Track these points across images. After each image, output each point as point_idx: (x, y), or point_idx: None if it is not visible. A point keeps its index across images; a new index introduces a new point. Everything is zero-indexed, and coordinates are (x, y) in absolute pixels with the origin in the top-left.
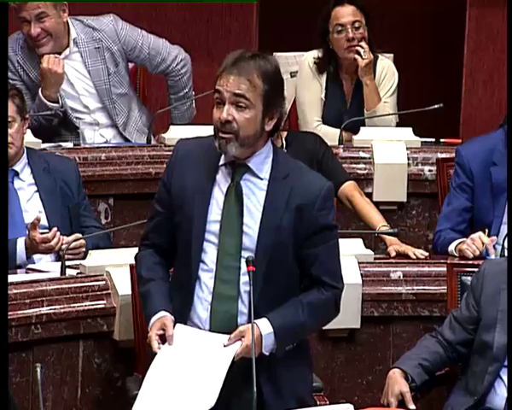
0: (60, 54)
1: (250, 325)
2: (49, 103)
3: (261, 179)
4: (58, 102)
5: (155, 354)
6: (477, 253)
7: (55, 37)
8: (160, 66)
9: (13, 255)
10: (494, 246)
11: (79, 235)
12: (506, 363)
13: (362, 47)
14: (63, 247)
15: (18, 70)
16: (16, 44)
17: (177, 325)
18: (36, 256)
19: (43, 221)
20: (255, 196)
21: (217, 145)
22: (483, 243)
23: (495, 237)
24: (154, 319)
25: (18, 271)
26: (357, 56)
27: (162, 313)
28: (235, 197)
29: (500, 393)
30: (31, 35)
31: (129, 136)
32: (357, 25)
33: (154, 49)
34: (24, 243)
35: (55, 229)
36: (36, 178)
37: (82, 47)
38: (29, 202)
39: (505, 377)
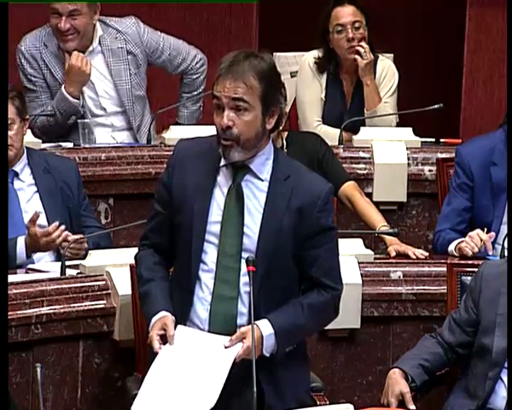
0: (83, 52)
1: (251, 326)
2: (71, 99)
3: (262, 181)
4: (79, 99)
5: (156, 354)
6: (476, 250)
7: (82, 35)
8: (180, 66)
9: (13, 255)
10: (494, 246)
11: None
12: (506, 365)
13: (362, 47)
14: (64, 244)
15: (42, 68)
16: (39, 41)
17: (179, 326)
18: (36, 256)
19: (43, 221)
20: (256, 197)
21: (220, 152)
22: (481, 240)
23: (493, 233)
24: (154, 319)
25: (18, 271)
26: (357, 56)
27: (163, 313)
28: (235, 198)
29: (501, 393)
30: (59, 28)
31: (140, 139)
32: (357, 25)
33: (175, 50)
34: (24, 242)
35: (56, 223)
36: (36, 179)
37: (105, 46)
38: (29, 203)
39: (505, 378)
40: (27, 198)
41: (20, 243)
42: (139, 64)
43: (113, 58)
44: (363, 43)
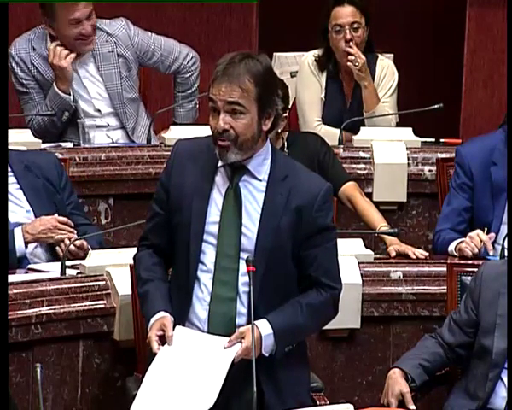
0: (78, 56)
1: (250, 326)
2: (61, 94)
3: (260, 181)
4: (70, 95)
5: (155, 354)
6: (476, 250)
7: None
8: (172, 65)
9: (12, 247)
10: (494, 246)
11: (85, 243)
12: (506, 365)
13: (352, 54)
14: (65, 242)
15: (31, 70)
16: (28, 45)
17: (177, 327)
18: (34, 256)
19: (32, 218)
20: (254, 197)
21: (217, 153)
22: (481, 241)
23: (493, 234)
24: (153, 319)
25: (17, 271)
26: (349, 64)
27: (162, 314)
28: (233, 199)
29: (501, 394)
30: (84, 34)
31: (137, 140)
32: (355, 26)
33: (166, 50)
34: (21, 232)
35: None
36: (18, 178)
37: (96, 50)
38: (15, 202)
39: (505, 379)
40: (12, 197)
41: (18, 233)
42: (130, 66)
43: (103, 62)
44: (351, 50)
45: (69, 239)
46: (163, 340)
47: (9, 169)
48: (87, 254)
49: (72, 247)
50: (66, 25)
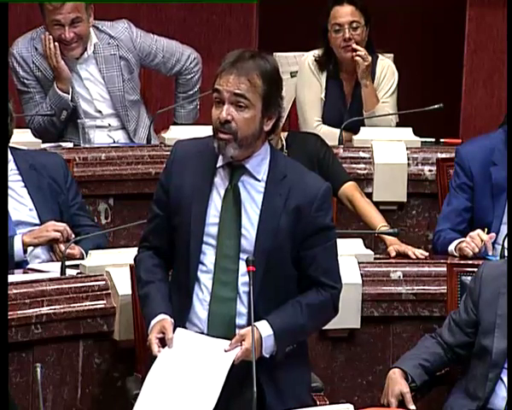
0: (78, 58)
1: (250, 327)
2: (60, 93)
3: (259, 181)
4: (68, 94)
5: (155, 357)
6: (476, 250)
7: (84, 41)
8: (174, 67)
9: (11, 253)
10: (494, 246)
11: (79, 249)
12: (506, 365)
13: (360, 50)
14: (62, 247)
15: (33, 70)
16: (30, 44)
17: (178, 329)
18: (33, 257)
19: (35, 218)
20: (253, 197)
21: (215, 146)
22: (482, 241)
23: (494, 234)
24: (153, 322)
25: (17, 271)
26: (358, 59)
27: (162, 316)
28: (232, 199)
29: (501, 394)
30: (63, 39)
31: (138, 141)
32: (354, 25)
33: (168, 52)
34: (21, 240)
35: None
36: (23, 176)
37: (98, 52)
38: (19, 200)
39: (505, 379)
40: (16, 195)
41: (18, 240)
42: (132, 69)
43: (105, 65)
44: (358, 47)
45: (66, 240)
46: (163, 342)
47: (15, 167)
48: (87, 254)
49: (68, 250)
50: (50, 24)
